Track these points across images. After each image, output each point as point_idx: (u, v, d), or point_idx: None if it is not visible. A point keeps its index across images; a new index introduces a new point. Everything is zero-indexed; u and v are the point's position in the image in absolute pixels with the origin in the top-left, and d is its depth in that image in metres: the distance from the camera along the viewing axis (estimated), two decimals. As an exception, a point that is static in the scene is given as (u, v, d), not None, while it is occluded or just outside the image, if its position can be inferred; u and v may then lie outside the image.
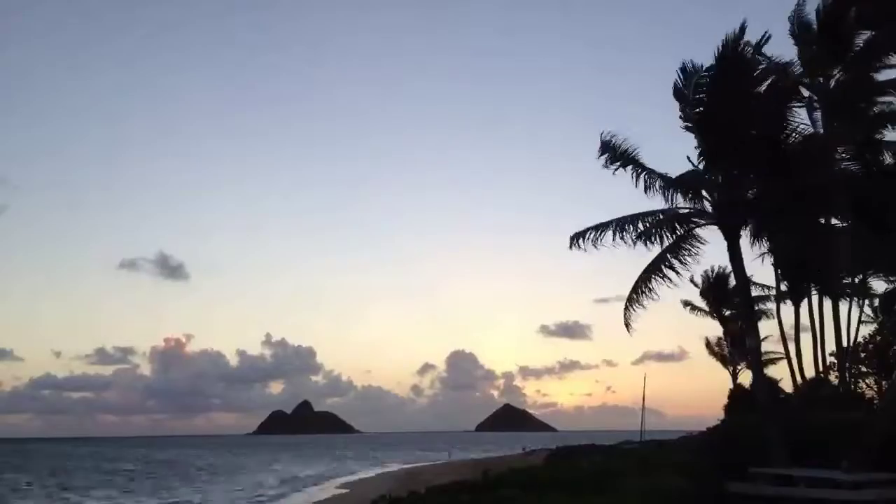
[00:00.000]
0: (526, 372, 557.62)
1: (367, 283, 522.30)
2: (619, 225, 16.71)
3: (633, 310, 17.12)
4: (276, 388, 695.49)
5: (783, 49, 16.66)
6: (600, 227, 16.90)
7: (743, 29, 15.17)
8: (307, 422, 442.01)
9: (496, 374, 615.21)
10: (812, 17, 24.99)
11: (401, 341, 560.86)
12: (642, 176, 16.87)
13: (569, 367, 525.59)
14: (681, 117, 16.45)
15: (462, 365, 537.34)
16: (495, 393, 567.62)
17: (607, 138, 17.03)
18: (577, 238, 17.19)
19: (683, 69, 16.10)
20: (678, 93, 16.40)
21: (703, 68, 15.75)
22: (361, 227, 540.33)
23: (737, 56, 15.24)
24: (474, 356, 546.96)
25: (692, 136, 16.44)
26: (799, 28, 25.22)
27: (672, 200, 16.70)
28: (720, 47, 15.30)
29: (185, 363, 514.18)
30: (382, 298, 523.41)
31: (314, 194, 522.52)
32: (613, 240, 16.76)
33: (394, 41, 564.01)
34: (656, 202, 16.97)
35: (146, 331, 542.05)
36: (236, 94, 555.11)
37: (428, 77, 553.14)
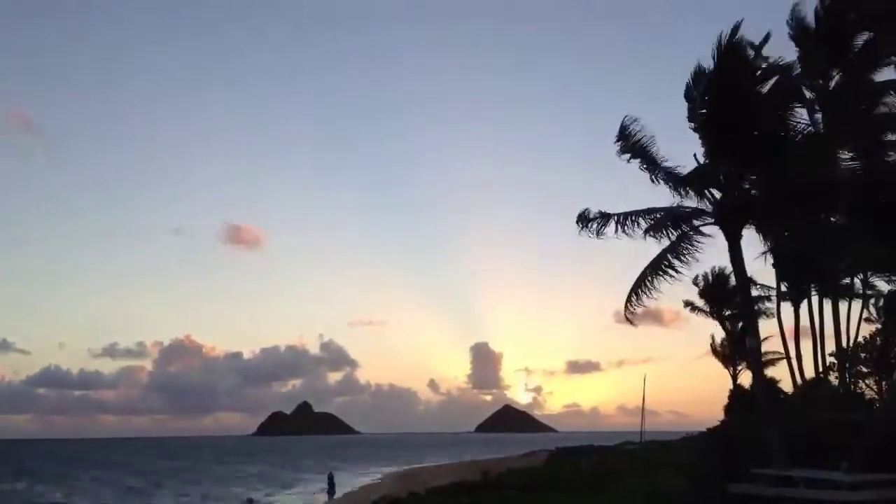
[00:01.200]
0: (574, 367, 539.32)
1: (408, 279, 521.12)
2: (622, 219, 16.77)
3: (633, 306, 17.09)
4: (290, 386, 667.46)
5: (785, 50, 16.76)
6: (605, 218, 16.95)
7: (736, 28, 15.18)
8: (307, 423, 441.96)
9: (530, 372, 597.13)
10: (811, 18, 25.00)
11: (438, 339, 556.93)
12: (651, 170, 16.85)
13: (618, 363, 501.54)
14: (688, 118, 16.47)
15: (485, 364, 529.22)
16: (514, 393, 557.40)
17: (628, 123, 16.88)
18: (582, 220, 17.20)
19: (698, 70, 16.10)
20: (688, 93, 16.42)
21: (712, 70, 15.74)
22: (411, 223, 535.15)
23: (734, 56, 15.23)
24: (500, 355, 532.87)
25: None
26: (797, 29, 25.21)
27: (681, 197, 16.72)
28: (715, 47, 15.33)
29: (198, 359, 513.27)
30: (423, 293, 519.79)
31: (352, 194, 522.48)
32: (616, 232, 16.83)
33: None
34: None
35: (158, 327, 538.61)
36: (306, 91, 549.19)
37: (475, 74, 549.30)
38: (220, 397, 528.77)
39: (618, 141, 17.01)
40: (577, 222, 17.25)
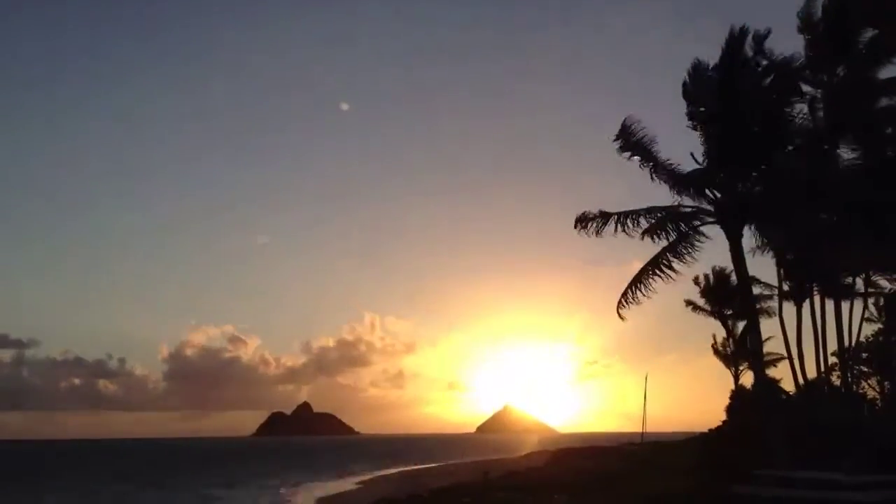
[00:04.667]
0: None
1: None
2: (622, 218, 16.69)
3: (626, 305, 17.01)
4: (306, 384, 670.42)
5: (790, 46, 16.75)
6: (604, 217, 16.87)
7: (743, 29, 15.13)
8: (307, 423, 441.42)
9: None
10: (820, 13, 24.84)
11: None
12: (650, 168, 16.79)
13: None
14: (687, 116, 16.42)
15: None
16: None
17: (630, 123, 16.85)
18: (581, 221, 17.12)
19: (695, 68, 16.04)
20: (686, 91, 16.38)
21: (711, 68, 15.72)
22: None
23: (739, 56, 15.21)
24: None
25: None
26: (806, 21, 25.05)
27: (680, 196, 16.66)
28: (724, 47, 15.30)
29: (215, 355, 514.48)
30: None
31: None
32: (615, 232, 16.74)
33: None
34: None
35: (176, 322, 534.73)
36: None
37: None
38: (240, 394, 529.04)
39: (617, 139, 16.97)
40: (575, 225, 17.17)
